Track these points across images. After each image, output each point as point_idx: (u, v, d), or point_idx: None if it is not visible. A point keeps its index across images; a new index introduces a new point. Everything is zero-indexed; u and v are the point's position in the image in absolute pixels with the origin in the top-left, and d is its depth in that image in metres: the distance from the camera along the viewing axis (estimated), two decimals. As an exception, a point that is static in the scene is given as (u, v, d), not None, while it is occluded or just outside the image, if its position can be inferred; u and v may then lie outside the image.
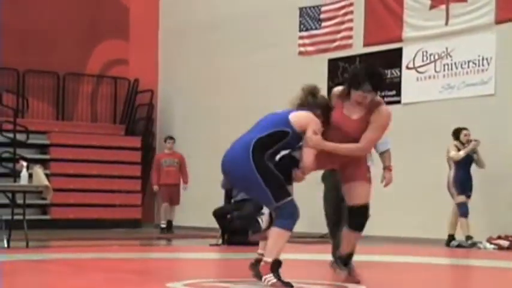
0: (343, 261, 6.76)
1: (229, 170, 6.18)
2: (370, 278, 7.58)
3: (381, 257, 10.11)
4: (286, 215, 6.05)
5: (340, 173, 6.59)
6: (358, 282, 6.60)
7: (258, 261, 6.31)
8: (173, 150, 16.22)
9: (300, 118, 6.17)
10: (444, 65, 13.82)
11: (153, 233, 16.45)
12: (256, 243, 11.86)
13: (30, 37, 17.87)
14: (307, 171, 6.26)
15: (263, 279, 6.02)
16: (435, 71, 13.94)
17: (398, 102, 14.37)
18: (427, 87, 13.99)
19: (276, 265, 6.00)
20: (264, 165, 6.02)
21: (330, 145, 6.24)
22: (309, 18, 15.82)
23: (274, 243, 6.02)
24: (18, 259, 8.90)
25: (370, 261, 9.52)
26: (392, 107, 14.60)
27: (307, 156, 6.17)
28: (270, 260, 6.00)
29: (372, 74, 6.34)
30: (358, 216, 6.48)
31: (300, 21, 15.95)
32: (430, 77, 14.03)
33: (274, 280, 5.98)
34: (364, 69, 6.42)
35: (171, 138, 16.25)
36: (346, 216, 6.64)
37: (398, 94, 14.41)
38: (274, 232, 6.03)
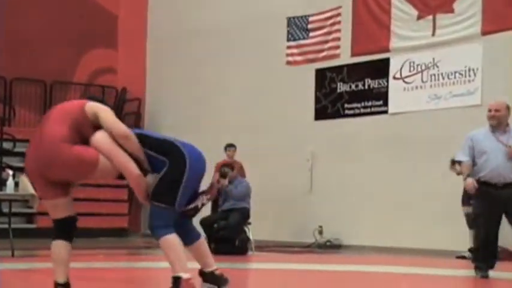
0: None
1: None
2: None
3: (368, 267, 10.11)
4: None
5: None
6: None
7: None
8: (234, 159, 14.49)
9: None
10: (431, 76, 13.88)
11: (140, 242, 16.39)
12: (243, 252, 11.95)
13: (18, 45, 17.82)
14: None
15: None
16: (422, 81, 14.00)
17: (385, 112, 14.44)
18: (414, 97, 14.04)
19: None
20: None
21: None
22: (297, 28, 15.85)
23: None
24: (4, 268, 8.85)
25: (356, 271, 9.52)
26: (379, 117, 14.76)
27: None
28: None
29: None
30: None
31: (288, 31, 15.98)
32: (417, 87, 14.08)
33: None
34: None
35: (232, 145, 14.60)
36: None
37: (386, 104, 14.46)
38: None
